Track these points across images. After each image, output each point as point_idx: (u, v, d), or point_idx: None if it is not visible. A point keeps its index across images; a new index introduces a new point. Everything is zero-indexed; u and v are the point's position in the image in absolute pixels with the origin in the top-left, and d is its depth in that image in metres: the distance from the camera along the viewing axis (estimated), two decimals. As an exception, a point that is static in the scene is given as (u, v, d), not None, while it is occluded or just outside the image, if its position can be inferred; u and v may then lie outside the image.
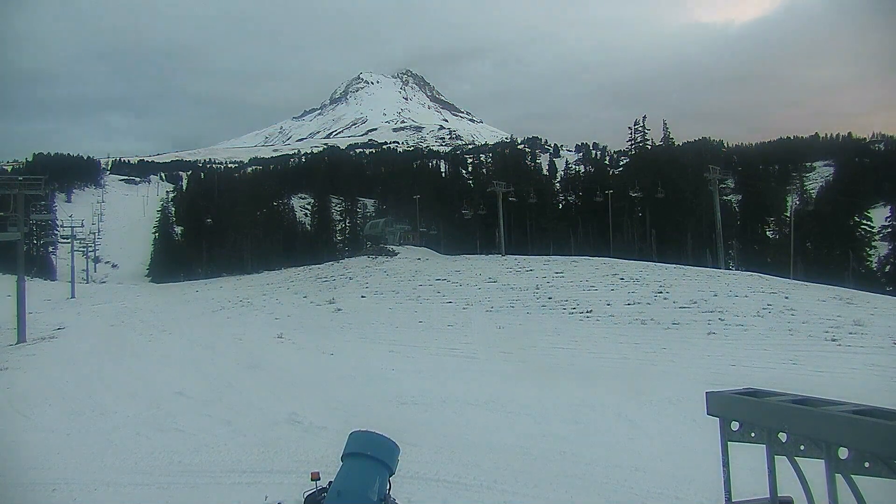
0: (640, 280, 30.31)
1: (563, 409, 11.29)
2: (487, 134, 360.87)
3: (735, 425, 2.32)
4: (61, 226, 65.33)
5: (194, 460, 8.90)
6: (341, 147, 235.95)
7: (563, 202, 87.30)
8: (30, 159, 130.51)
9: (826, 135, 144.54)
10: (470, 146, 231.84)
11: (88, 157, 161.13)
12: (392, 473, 3.72)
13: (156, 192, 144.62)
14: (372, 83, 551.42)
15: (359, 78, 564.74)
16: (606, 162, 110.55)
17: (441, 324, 23.55)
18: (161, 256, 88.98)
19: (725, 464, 2.40)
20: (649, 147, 79.73)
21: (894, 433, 1.76)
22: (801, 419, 2.05)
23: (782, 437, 2.13)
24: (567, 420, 10.53)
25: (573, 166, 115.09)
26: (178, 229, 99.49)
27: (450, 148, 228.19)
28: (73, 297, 47.80)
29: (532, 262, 41.98)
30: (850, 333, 17.98)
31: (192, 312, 32.90)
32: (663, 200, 64.59)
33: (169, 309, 35.21)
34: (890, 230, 61.35)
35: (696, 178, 60.71)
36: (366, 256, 59.45)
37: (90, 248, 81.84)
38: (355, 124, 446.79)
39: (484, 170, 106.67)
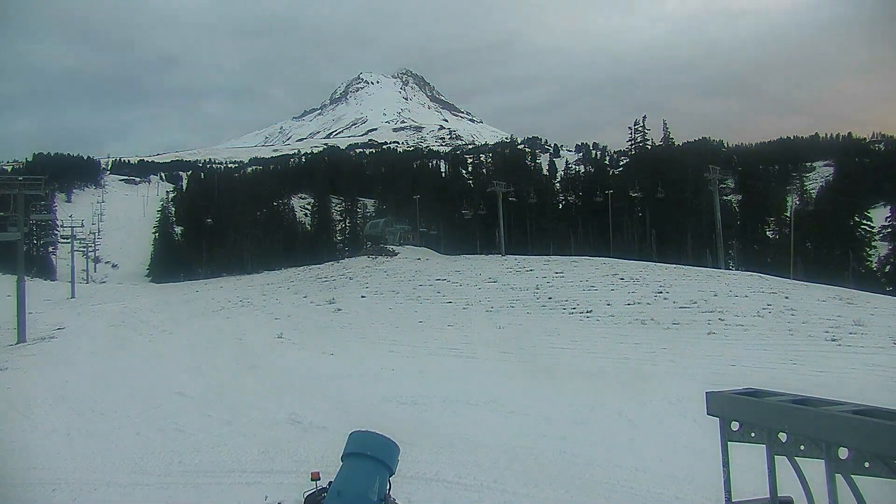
0: (640, 280, 30.30)
1: (563, 409, 11.29)
2: (487, 134, 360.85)
3: (735, 425, 2.32)
4: (61, 226, 65.32)
5: (194, 460, 8.90)
6: (341, 147, 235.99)
7: (563, 202, 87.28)
8: (30, 159, 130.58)
9: (826, 135, 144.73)
10: (470, 146, 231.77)
11: (88, 157, 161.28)
12: (392, 473, 3.72)
13: (156, 192, 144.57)
14: (372, 83, 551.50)
15: (359, 78, 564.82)
16: (606, 162, 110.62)
17: (441, 324, 23.55)
18: (161, 256, 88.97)
19: (725, 464, 2.40)
20: (649, 147, 79.75)
21: (894, 433, 1.76)
22: (801, 419, 2.05)
23: (782, 437, 2.12)
24: (567, 420, 10.53)
25: (573, 166, 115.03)
26: (178, 229, 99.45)
27: (450, 148, 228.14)
28: (73, 297, 47.79)
29: (532, 262, 41.97)
30: (850, 333, 17.97)
31: (192, 312, 32.89)
32: (663, 200, 64.60)
33: (169, 309, 35.20)
34: (890, 230, 61.34)
35: (696, 178, 60.70)
36: (366, 256, 59.44)
37: (90, 248, 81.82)
38: (355, 124, 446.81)
39: (484, 170, 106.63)
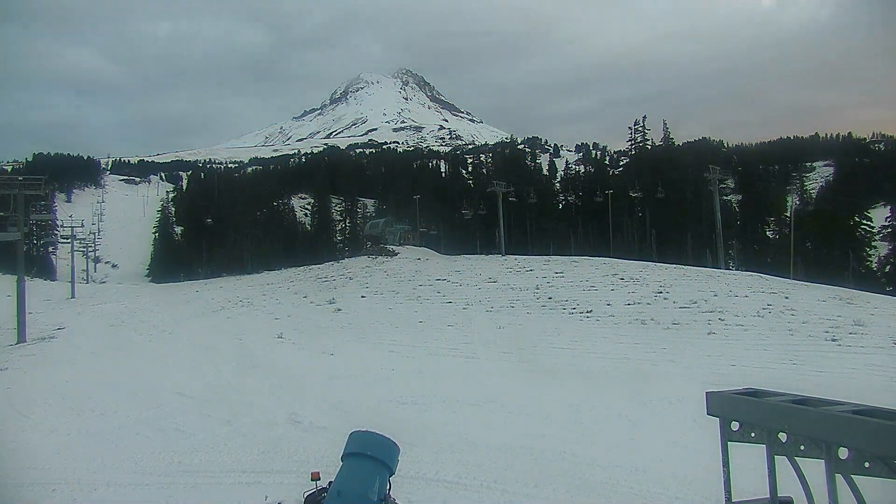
0: (640, 280, 30.30)
1: (564, 409, 11.29)
2: (487, 134, 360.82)
3: (735, 425, 2.32)
4: (61, 226, 65.28)
5: (194, 460, 8.90)
6: (341, 147, 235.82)
7: (563, 202, 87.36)
8: (30, 159, 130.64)
9: (826, 135, 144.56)
10: (470, 146, 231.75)
11: (88, 157, 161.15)
12: (392, 473, 3.72)
13: (156, 192, 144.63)
14: (372, 83, 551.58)
15: (359, 78, 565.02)
16: (606, 162, 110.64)
17: (441, 324, 23.55)
18: (161, 256, 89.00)
19: (725, 464, 2.40)
20: (649, 147, 79.80)
21: (894, 433, 1.76)
22: (801, 419, 2.05)
23: (782, 437, 2.12)
24: (567, 420, 10.53)
25: (573, 166, 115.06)
26: (178, 229, 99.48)
27: (450, 148, 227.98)
28: (73, 297, 47.79)
29: (532, 262, 41.96)
30: (850, 333, 17.97)
31: (192, 312, 32.89)
32: (663, 200, 64.61)
33: (169, 309, 35.20)
34: (890, 230, 61.36)
35: (696, 178, 60.72)
36: (366, 256, 59.42)
37: (90, 248, 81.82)
38: (355, 124, 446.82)
39: (484, 170, 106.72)
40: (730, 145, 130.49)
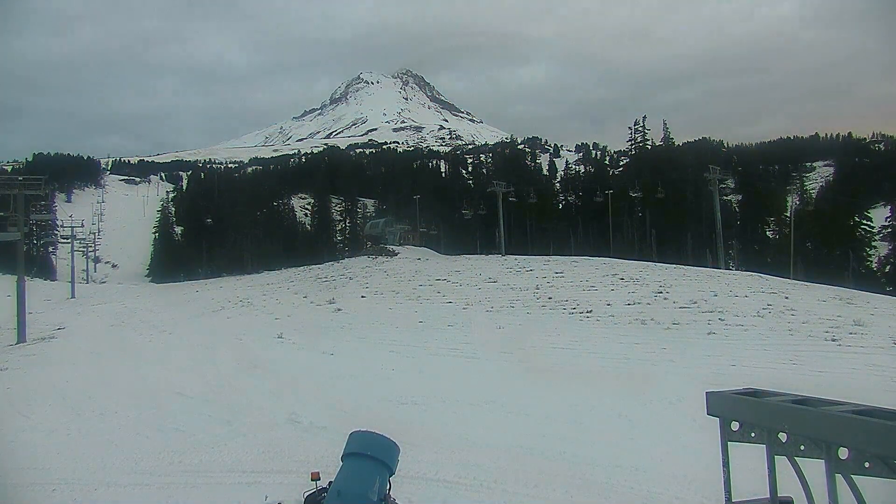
0: (640, 280, 30.30)
1: (564, 409, 11.28)
2: (487, 134, 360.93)
3: (735, 425, 2.32)
4: (61, 226, 65.30)
5: (194, 460, 8.90)
6: (341, 147, 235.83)
7: (563, 202, 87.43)
8: (30, 159, 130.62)
9: (826, 135, 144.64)
10: (470, 146, 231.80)
11: (88, 157, 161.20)
12: (392, 473, 3.72)
13: (156, 192, 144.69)
14: (372, 83, 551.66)
15: (359, 78, 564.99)
16: (606, 162, 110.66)
17: (441, 324, 23.54)
18: (161, 256, 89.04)
19: (725, 464, 2.40)
20: (649, 147, 79.83)
21: (894, 433, 1.76)
22: (801, 419, 2.05)
23: (782, 437, 2.13)
24: (567, 420, 10.53)
25: (573, 166, 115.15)
26: (178, 229, 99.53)
27: (450, 148, 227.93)
28: (73, 297, 47.83)
29: (532, 262, 41.97)
30: (850, 333, 17.96)
31: (192, 312, 32.90)
32: (663, 200, 64.65)
33: (169, 309, 35.22)
34: (890, 230, 61.38)
35: (696, 178, 60.76)
36: (366, 256, 59.47)
37: (90, 249, 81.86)
38: (355, 124, 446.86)
39: (484, 170, 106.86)
40: (730, 145, 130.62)
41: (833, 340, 17.29)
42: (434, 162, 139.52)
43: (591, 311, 23.89)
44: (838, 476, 1.91)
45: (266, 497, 6.30)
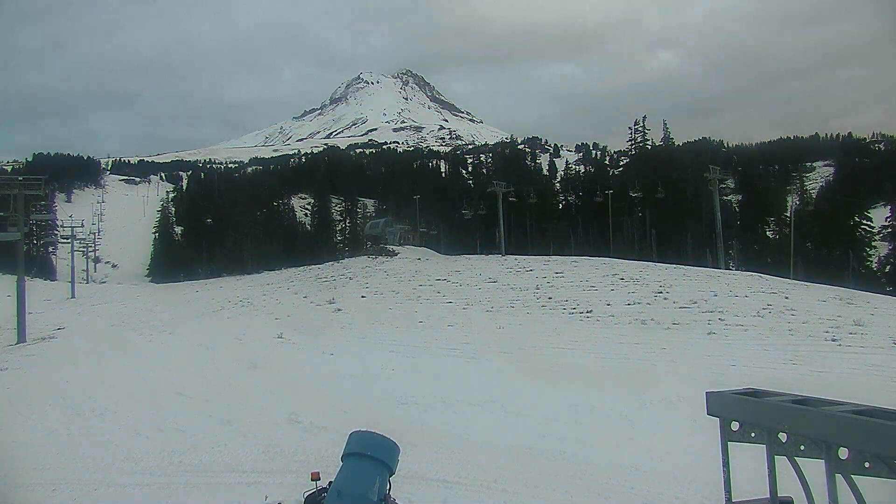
0: (640, 280, 30.30)
1: (564, 409, 11.29)
2: (487, 134, 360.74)
3: (735, 425, 2.32)
4: (61, 226, 65.28)
5: (194, 460, 8.90)
6: (341, 147, 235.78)
7: (563, 202, 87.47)
8: (30, 159, 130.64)
9: (826, 135, 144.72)
10: (470, 146, 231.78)
11: (88, 158, 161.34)
12: (392, 473, 3.72)
13: (156, 192, 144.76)
14: (372, 83, 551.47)
15: (359, 78, 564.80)
16: (606, 162, 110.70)
17: (441, 324, 23.54)
18: (161, 256, 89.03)
19: (725, 464, 2.40)
20: (649, 147, 79.86)
21: (894, 433, 1.76)
22: (801, 419, 2.05)
23: (782, 437, 2.13)
24: (567, 420, 10.53)
25: (573, 166, 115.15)
26: (178, 229, 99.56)
27: (450, 148, 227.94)
28: (73, 297, 47.81)
29: (532, 262, 41.97)
30: (850, 333, 17.97)
31: (192, 312, 32.91)
32: (663, 200, 64.66)
33: (169, 309, 35.22)
34: (890, 230, 61.41)
35: (696, 178, 60.77)
36: (366, 256, 59.47)
37: (90, 248, 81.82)
38: (355, 124, 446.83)
39: (484, 170, 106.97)
40: (730, 145, 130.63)
41: (833, 340, 17.29)
42: (434, 162, 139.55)
43: (591, 311, 23.89)
44: (838, 476, 1.92)
45: (266, 497, 6.31)
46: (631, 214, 71.02)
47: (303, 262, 62.77)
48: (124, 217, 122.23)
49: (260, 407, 12.22)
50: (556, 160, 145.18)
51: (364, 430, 3.83)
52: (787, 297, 24.64)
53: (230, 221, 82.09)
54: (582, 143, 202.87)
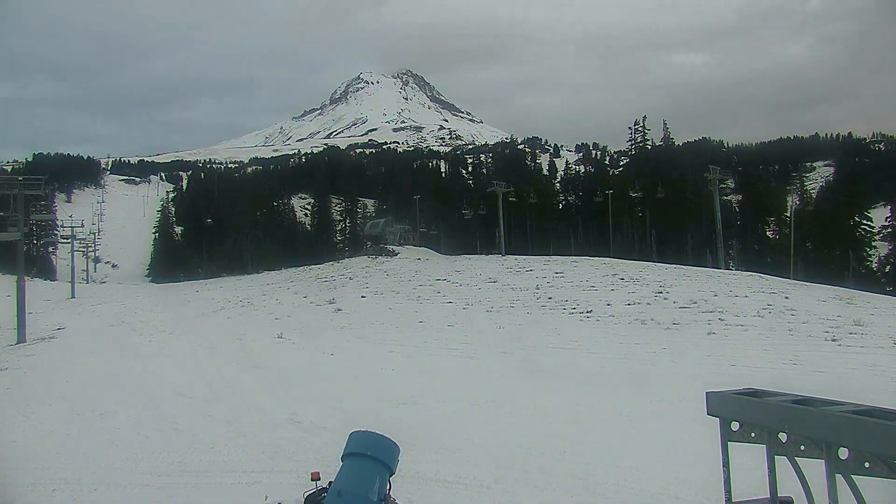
0: (640, 280, 30.31)
1: (564, 409, 11.28)
2: (487, 134, 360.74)
3: (735, 425, 2.33)
4: (61, 226, 65.33)
5: (194, 460, 8.89)
6: (341, 147, 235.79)
7: (563, 202, 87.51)
8: (30, 159, 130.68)
9: (826, 135, 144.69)
10: (470, 146, 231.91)
11: (88, 158, 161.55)
12: (392, 473, 3.72)
13: (156, 192, 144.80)
14: (372, 83, 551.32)
15: (359, 78, 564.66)
16: (606, 162, 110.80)
17: (441, 324, 23.55)
18: (161, 256, 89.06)
19: (725, 464, 2.41)
20: (649, 147, 79.92)
21: (894, 433, 1.76)
22: (801, 419, 2.05)
23: (782, 437, 2.13)
24: (567, 420, 10.53)
25: (573, 166, 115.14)
26: (179, 229, 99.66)
27: (450, 148, 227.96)
28: (73, 297, 47.83)
29: (532, 262, 41.98)
30: (850, 333, 17.97)
31: (192, 312, 32.91)
32: (663, 200, 64.71)
33: (169, 309, 35.22)
34: (890, 230, 61.44)
35: (696, 178, 60.78)
36: (366, 256, 59.49)
37: (90, 249, 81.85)
38: (355, 124, 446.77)
39: (484, 170, 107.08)
40: (730, 145, 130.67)
41: (833, 340, 17.29)
42: (434, 162, 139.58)
43: (591, 311, 23.89)
44: (838, 476, 1.92)
45: (266, 497, 6.30)
46: (631, 214, 71.07)
47: (303, 262, 62.81)
48: (124, 217, 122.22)
49: (260, 407, 12.22)
50: (556, 160, 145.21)
51: (364, 429, 3.82)
52: (787, 297, 24.64)
53: (230, 221, 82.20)
54: (582, 143, 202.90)
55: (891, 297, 31.92)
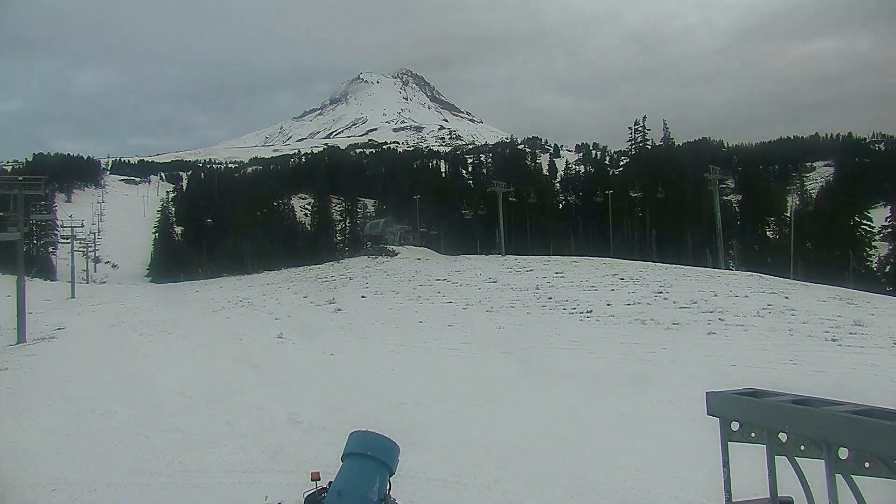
0: (640, 280, 30.31)
1: (564, 409, 11.28)
2: (487, 134, 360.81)
3: (735, 425, 2.33)
4: (61, 226, 65.34)
5: (194, 460, 8.89)
6: (341, 147, 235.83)
7: (563, 202, 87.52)
8: (30, 159, 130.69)
9: (826, 135, 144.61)
10: (470, 146, 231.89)
11: (88, 158, 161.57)
12: (392, 473, 3.72)
13: (156, 192, 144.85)
14: (372, 83, 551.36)
15: (359, 78, 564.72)
16: (606, 162, 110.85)
17: (441, 324, 23.54)
18: (161, 256, 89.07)
19: (725, 464, 2.41)
20: (649, 147, 79.92)
21: (894, 433, 1.76)
22: (801, 419, 2.05)
23: (782, 437, 2.13)
24: (567, 420, 10.53)
25: (573, 166, 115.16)
26: (179, 229, 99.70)
27: (450, 148, 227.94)
28: (73, 297, 47.83)
29: (532, 262, 41.99)
30: (850, 333, 17.96)
31: (192, 312, 32.90)
32: (663, 200, 64.72)
33: (169, 309, 35.21)
34: (890, 230, 61.46)
35: (696, 178, 60.79)
36: (366, 256, 59.50)
37: (90, 249, 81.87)
38: (355, 124, 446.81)
39: (484, 170, 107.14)
40: (730, 145, 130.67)
41: (833, 340, 17.29)
42: (434, 162, 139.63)
43: (591, 311, 23.89)
44: (838, 476, 1.92)
45: (266, 497, 6.31)
46: (631, 214, 71.08)
47: (303, 262, 62.82)
48: (124, 217, 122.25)
49: (260, 407, 12.22)
50: (556, 160, 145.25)
51: (364, 429, 3.83)
52: (787, 297, 24.64)
53: (230, 221, 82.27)
54: (582, 143, 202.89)
55: (891, 297, 31.91)
